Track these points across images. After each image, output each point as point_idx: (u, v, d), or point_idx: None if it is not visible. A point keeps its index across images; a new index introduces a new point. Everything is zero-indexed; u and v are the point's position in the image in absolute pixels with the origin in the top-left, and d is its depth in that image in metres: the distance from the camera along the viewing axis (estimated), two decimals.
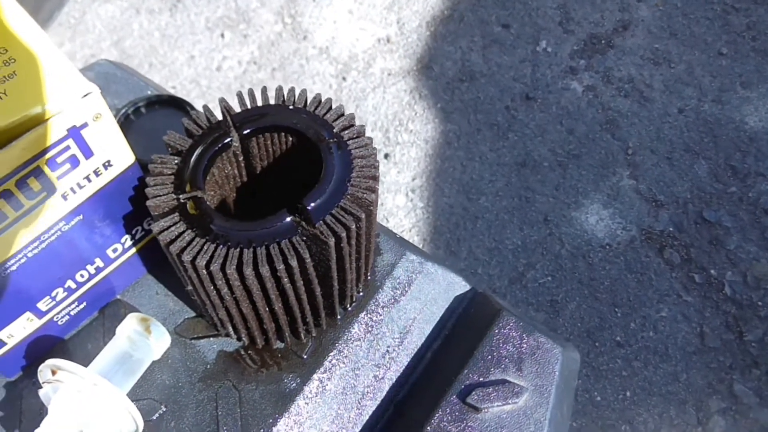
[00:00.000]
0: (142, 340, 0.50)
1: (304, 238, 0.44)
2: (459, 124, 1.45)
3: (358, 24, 1.59)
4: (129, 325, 0.51)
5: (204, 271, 0.43)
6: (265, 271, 0.42)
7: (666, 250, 1.29)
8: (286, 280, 0.44)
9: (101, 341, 0.54)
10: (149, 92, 0.68)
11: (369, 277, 0.57)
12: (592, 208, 1.33)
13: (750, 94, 1.48)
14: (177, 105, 0.65)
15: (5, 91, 0.37)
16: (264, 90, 0.50)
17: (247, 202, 0.54)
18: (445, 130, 1.44)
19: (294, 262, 0.43)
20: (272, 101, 0.50)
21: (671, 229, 1.31)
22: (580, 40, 1.59)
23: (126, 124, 0.64)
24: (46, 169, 0.40)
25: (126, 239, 0.51)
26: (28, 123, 0.37)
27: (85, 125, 0.40)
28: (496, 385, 0.52)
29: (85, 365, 0.49)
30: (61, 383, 0.45)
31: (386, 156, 1.40)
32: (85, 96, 0.39)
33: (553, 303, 1.23)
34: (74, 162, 0.41)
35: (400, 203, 1.33)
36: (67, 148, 0.40)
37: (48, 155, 0.39)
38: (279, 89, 0.50)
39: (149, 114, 0.65)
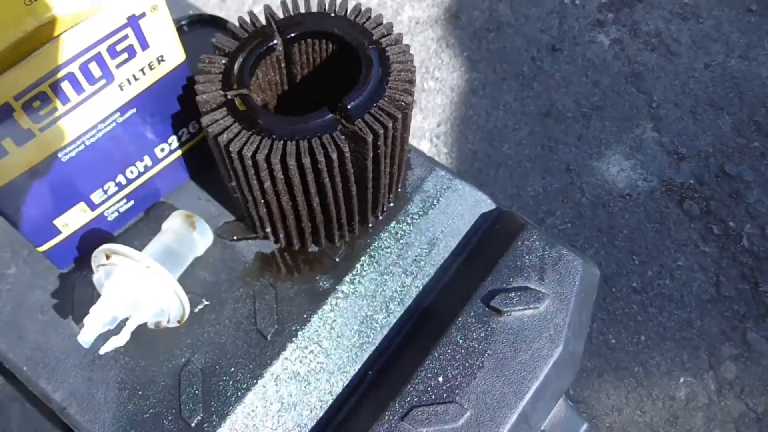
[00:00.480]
0: (188, 234, 0.53)
1: (344, 135, 0.46)
2: (485, 73, 1.46)
3: None
4: (175, 221, 0.54)
5: (249, 161, 0.46)
6: (306, 162, 0.45)
7: (686, 202, 1.30)
8: (325, 174, 0.47)
9: (147, 240, 0.57)
10: (190, 12, 0.70)
11: (400, 190, 0.60)
12: (614, 159, 1.35)
13: None
14: (218, 24, 0.67)
15: None
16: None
17: (287, 108, 0.56)
18: (471, 79, 1.46)
19: (334, 155, 0.45)
20: (314, 9, 0.52)
21: (692, 181, 1.33)
22: None
23: None
24: (107, 56, 0.43)
25: (173, 140, 0.54)
26: (94, 8, 0.40)
27: (143, 15, 0.43)
28: (519, 291, 0.55)
29: None
30: (115, 266, 0.48)
31: None
32: None
33: None
34: (131, 52, 0.44)
35: (424, 148, 1.36)
36: (126, 37, 0.43)
37: (109, 41, 0.42)
38: None
39: (191, 32, 0.68)
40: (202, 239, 0.54)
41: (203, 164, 0.59)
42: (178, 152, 0.56)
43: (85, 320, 0.47)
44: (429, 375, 0.52)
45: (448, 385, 0.52)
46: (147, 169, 0.54)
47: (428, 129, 1.39)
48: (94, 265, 0.50)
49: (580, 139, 1.37)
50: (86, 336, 0.46)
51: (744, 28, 1.53)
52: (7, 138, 0.41)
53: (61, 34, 0.40)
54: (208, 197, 0.59)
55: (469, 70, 1.48)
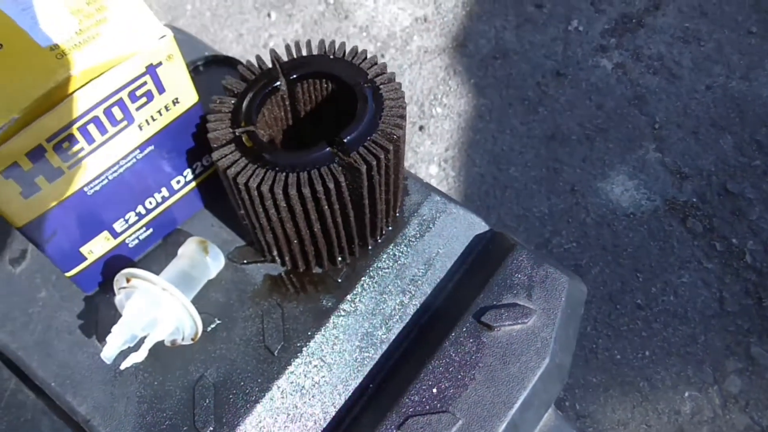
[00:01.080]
0: (201, 259, 0.58)
1: (341, 166, 0.51)
2: (491, 98, 1.51)
3: (396, 4, 1.66)
4: (190, 246, 0.59)
5: (255, 191, 0.50)
6: (306, 191, 0.50)
7: (689, 220, 1.34)
8: (324, 202, 0.51)
9: (164, 264, 0.62)
10: (206, 53, 0.76)
11: (398, 215, 0.64)
12: (618, 180, 1.39)
13: None
14: (231, 64, 0.73)
15: (99, 33, 0.45)
16: (308, 42, 0.57)
17: (292, 142, 0.61)
18: (478, 104, 1.51)
19: (331, 185, 0.50)
20: (315, 51, 0.57)
21: (695, 199, 1.36)
22: (611, 19, 1.63)
23: None
24: (127, 101, 0.48)
25: (188, 173, 0.59)
26: (116, 60, 0.45)
27: (160, 64, 0.48)
28: (508, 308, 0.59)
29: None
30: (135, 288, 0.53)
31: (421, 128, 1.47)
32: (161, 38, 0.47)
33: (577, 267, 1.28)
34: (150, 96, 0.49)
35: (433, 172, 1.40)
36: (145, 83, 0.48)
37: (130, 88, 0.47)
38: (321, 42, 0.57)
39: (206, 72, 0.73)
40: (215, 263, 0.59)
41: (216, 194, 0.64)
42: (193, 183, 0.61)
43: (108, 338, 0.51)
44: (424, 387, 0.56)
45: (441, 396, 0.56)
46: (164, 199, 0.59)
47: (437, 154, 1.44)
48: (115, 287, 0.55)
49: (584, 160, 1.41)
50: (108, 352, 0.51)
51: (745, 50, 1.57)
52: (40, 176, 0.46)
53: (87, 83, 0.45)
54: (221, 224, 0.64)
55: (476, 96, 1.53)
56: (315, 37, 1.61)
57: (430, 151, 1.44)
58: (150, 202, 0.58)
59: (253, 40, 1.67)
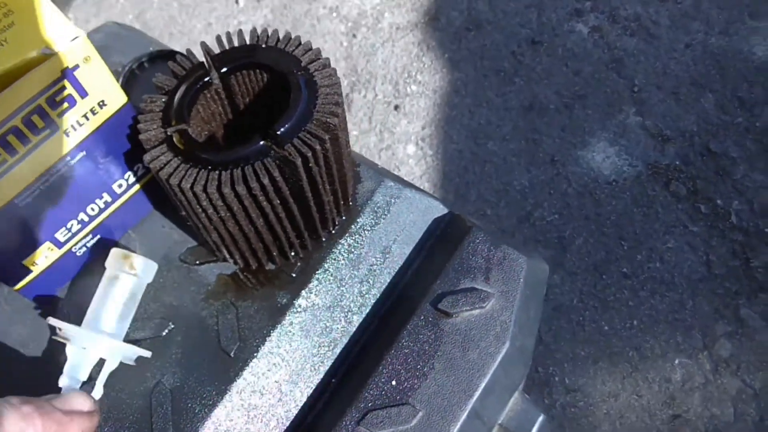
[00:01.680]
0: (128, 277, 0.55)
1: (276, 160, 0.49)
2: (466, 72, 1.49)
3: None
4: (113, 264, 0.55)
5: (190, 192, 0.49)
6: (241, 189, 0.48)
7: (672, 183, 1.32)
8: (262, 198, 0.50)
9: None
10: (151, 48, 0.74)
11: (351, 203, 0.63)
12: (599, 147, 1.36)
13: (758, 24, 1.49)
14: (171, 57, 0.70)
15: (5, 39, 0.43)
16: (240, 32, 0.55)
17: (233, 137, 0.59)
18: (453, 79, 1.48)
19: (266, 181, 0.48)
20: (248, 41, 0.55)
21: (677, 162, 1.34)
22: None
23: (131, 78, 0.70)
24: (47, 107, 0.46)
25: (129, 176, 0.57)
26: (27, 66, 0.44)
27: (76, 67, 0.46)
28: (465, 293, 0.58)
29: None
30: (67, 340, 0.51)
31: (396, 107, 1.45)
32: (73, 39, 0.45)
33: (560, 239, 1.27)
34: (71, 101, 0.47)
35: (410, 152, 1.38)
36: (64, 88, 0.46)
37: (47, 94, 0.45)
38: (253, 30, 0.55)
39: (152, 68, 0.71)
40: (145, 276, 0.56)
41: (163, 196, 0.62)
42: (137, 186, 0.59)
43: (62, 387, 0.50)
44: (383, 380, 0.55)
45: (400, 387, 0.55)
46: (108, 205, 0.57)
47: (413, 133, 1.42)
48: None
49: (563, 129, 1.39)
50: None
51: (723, 4, 1.54)
52: None
53: None
54: (172, 225, 0.63)
55: (450, 71, 1.50)
56: (285, 21, 1.59)
57: (407, 130, 1.41)
58: (92, 209, 0.56)
59: (222, 28, 1.65)
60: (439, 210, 0.65)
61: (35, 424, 0.38)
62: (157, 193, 0.62)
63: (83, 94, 0.48)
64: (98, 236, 0.59)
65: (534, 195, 1.32)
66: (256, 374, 0.56)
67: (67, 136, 0.49)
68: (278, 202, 0.51)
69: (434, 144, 1.39)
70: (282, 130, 0.49)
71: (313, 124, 0.50)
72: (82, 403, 0.43)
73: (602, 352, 1.16)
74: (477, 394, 0.54)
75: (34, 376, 0.57)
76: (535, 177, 1.33)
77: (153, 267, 0.56)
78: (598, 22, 1.53)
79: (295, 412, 0.57)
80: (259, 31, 0.55)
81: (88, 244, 0.59)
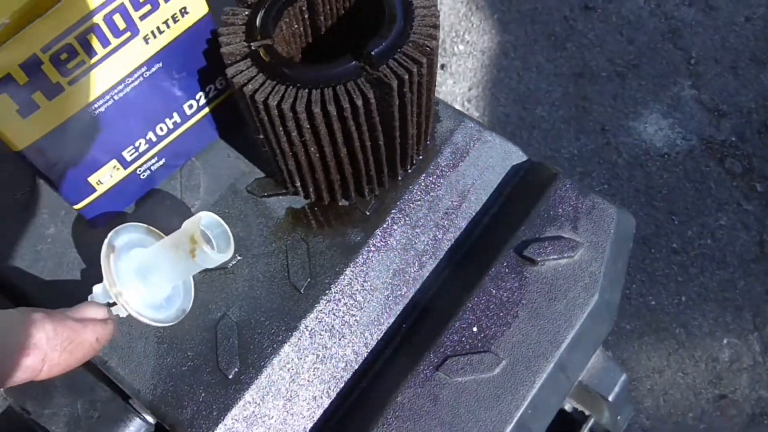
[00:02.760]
0: (186, 256, 0.48)
1: (368, 82, 0.46)
2: (516, 34, 1.44)
3: None
4: (181, 236, 0.49)
5: (275, 110, 0.45)
6: (332, 109, 0.45)
7: (727, 160, 1.27)
8: (351, 122, 0.46)
9: (179, 196, 0.58)
10: None
11: (429, 143, 0.59)
12: (651, 118, 1.32)
13: None
14: None
15: None
16: None
17: (312, 60, 0.56)
18: (502, 41, 1.43)
19: (359, 102, 0.45)
20: None
21: (733, 138, 1.29)
22: None
23: None
24: (130, 7, 0.43)
25: (200, 96, 0.54)
26: None
27: None
28: (552, 241, 0.54)
29: (163, 220, 0.52)
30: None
31: (442, 67, 1.41)
32: None
33: None
34: (154, 4, 0.44)
35: None
36: None
37: None
38: None
39: None
40: (204, 263, 0.49)
41: (232, 122, 0.59)
42: (207, 109, 0.56)
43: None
44: (463, 325, 0.52)
45: (482, 335, 0.52)
46: (176, 126, 0.54)
47: (459, 93, 1.38)
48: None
49: (615, 98, 1.34)
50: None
51: None
52: (37, 91, 0.42)
53: None
54: (238, 155, 0.60)
55: (499, 32, 1.45)
56: None
57: (453, 90, 1.37)
58: (161, 129, 0.53)
59: None
60: (519, 156, 0.61)
61: (46, 328, 0.38)
62: (224, 119, 0.58)
63: None
64: (163, 160, 0.56)
65: (583, 163, 1.28)
66: (327, 312, 0.53)
67: (146, 42, 0.46)
68: (366, 128, 0.48)
69: (481, 106, 1.35)
70: (376, 50, 0.46)
71: (410, 46, 0.47)
72: (95, 311, 0.44)
73: (648, 327, 1.13)
74: (564, 345, 0.51)
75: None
76: (584, 145, 1.29)
77: (216, 260, 0.49)
78: None
79: (364, 354, 0.54)
80: None
81: (153, 168, 0.56)
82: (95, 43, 0.43)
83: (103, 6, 0.41)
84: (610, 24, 1.43)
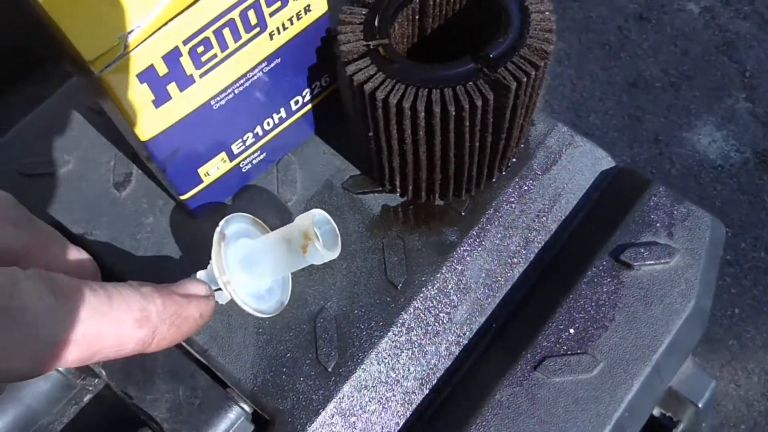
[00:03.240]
0: (297, 250, 0.49)
1: (487, 84, 0.46)
2: (570, 42, 1.44)
3: None
4: (292, 231, 0.49)
5: (394, 109, 0.46)
6: (452, 109, 0.46)
7: None
8: (467, 122, 0.47)
9: (276, 191, 0.59)
10: None
11: (522, 146, 0.60)
12: (705, 130, 1.32)
13: None
14: None
15: None
16: None
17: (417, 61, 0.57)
18: (556, 48, 1.44)
19: (479, 103, 0.46)
20: None
21: None
22: None
23: None
24: (263, 4, 0.44)
25: (306, 93, 0.55)
26: None
27: None
28: (648, 246, 0.55)
29: (260, 213, 0.53)
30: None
31: None
32: None
33: None
34: (285, 1, 0.45)
35: None
36: None
37: None
38: None
39: None
40: (312, 259, 0.50)
41: (328, 119, 0.60)
42: (309, 106, 0.57)
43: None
44: (560, 327, 0.53)
45: (579, 336, 0.52)
46: (282, 121, 0.55)
47: None
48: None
49: (669, 109, 1.34)
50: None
51: None
52: (173, 83, 0.43)
53: None
54: (333, 151, 0.61)
55: None
56: None
57: None
58: (268, 123, 0.54)
59: None
60: (608, 163, 0.62)
61: (156, 302, 0.39)
62: (321, 117, 0.60)
63: None
64: (264, 154, 0.57)
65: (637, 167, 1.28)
66: (422, 309, 0.54)
67: (271, 38, 0.47)
68: (479, 128, 0.49)
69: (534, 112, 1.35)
70: (495, 53, 0.47)
71: (527, 50, 0.47)
72: (198, 287, 0.44)
73: (701, 338, 1.12)
74: (661, 350, 0.52)
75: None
76: (638, 155, 1.29)
77: (325, 257, 0.49)
78: (710, 2, 1.48)
79: (456, 352, 0.55)
80: None
81: (254, 161, 0.57)
82: (228, 37, 0.44)
83: (242, 1, 0.42)
84: (665, 35, 1.43)
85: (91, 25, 0.38)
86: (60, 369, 0.58)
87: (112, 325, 0.35)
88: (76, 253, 0.46)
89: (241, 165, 0.56)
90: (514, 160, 0.59)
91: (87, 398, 0.61)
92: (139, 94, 0.42)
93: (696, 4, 1.49)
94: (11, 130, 0.64)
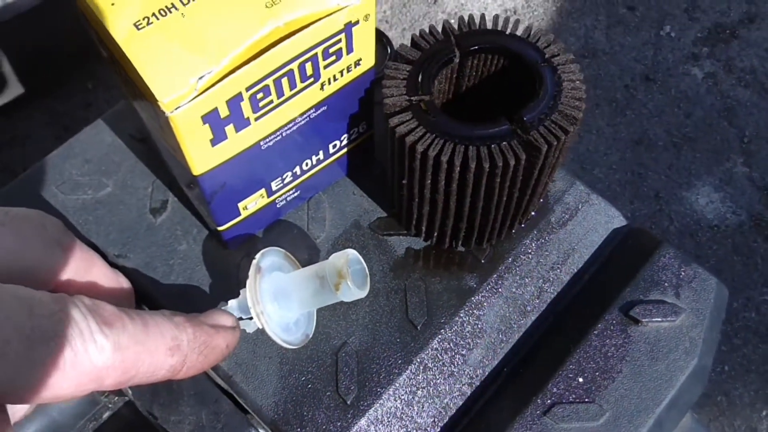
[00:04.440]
0: (329, 288, 0.52)
1: (520, 145, 0.50)
2: None
3: None
4: (328, 269, 0.51)
5: (431, 161, 0.50)
6: (486, 166, 0.49)
7: None
8: (498, 179, 0.51)
9: (305, 227, 0.62)
10: None
11: (542, 200, 0.63)
12: (704, 190, 1.36)
13: None
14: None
15: None
16: (483, 16, 0.56)
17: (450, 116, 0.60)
18: None
19: (512, 162, 0.49)
20: (489, 26, 0.56)
21: None
22: (704, 28, 1.60)
23: None
24: (320, 57, 0.47)
25: (344, 138, 0.59)
26: (320, 13, 0.45)
27: (357, 23, 0.47)
28: (656, 304, 0.58)
29: (289, 248, 0.56)
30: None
31: None
32: None
33: None
34: (339, 55, 0.49)
35: None
36: (339, 41, 0.48)
37: (326, 45, 0.47)
38: (495, 17, 0.56)
39: None
40: (344, 296, 0.52)
41: (358, 164, 0.63)
42: (345, 150, 0.60)
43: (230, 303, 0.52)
44: (570, 375, 0.56)
45: (587, 386, 0.55)
46: (318, 162, 0.59)
47: None
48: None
49: (670, 168, 1.39)
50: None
51: None
52: (231, 124, 0.46)
53: (291, 35, 0.44)
54: (362, 193, 0.64)
55: None
56: (403, 20, 1.60)
57: None
58: (306, 164, 0.58)
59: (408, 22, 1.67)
60: (620, 221, 0.66)
61: (188, 331, 0.41)
62: (353, 160, 0.63)
63: (350, 50, 0.49)
64: (298, 192, 0.60)
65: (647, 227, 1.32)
66: (440, 350, 0.57)
67: (322, 88, 0.50)
68: (508, 184, 0.52)
69: None
70: (529, 116, 0.50)
71: (558, 115, 0.51)
72: (225, 319, 0.46)
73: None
74: (664, 404, 0.55)
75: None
76: (638, 209, 1.33)
77: (355, 295, 0.52)
78: (714, 69, 1.53)
79: (468, 392, 0.57)
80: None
81: (288, 198, 0.60)
82: (285, 86, 0.47)
83: (302, 55, 0.46)
84: (669, 96, 1.49)
85: (167, 69, 0.42)
86: None
87: (147, 352, 0.37)
88: (114, 276, 0.48)
89: (276, 201, 0.59)
90: (533, 213, 0.63)
91: (106, 415, 0.63)
92: (200, 133, 0.45)
93: (700, 69, 1.55)
94: (55, 150, 0.67)
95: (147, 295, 0.60)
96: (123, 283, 0.49)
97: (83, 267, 0.44)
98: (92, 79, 1.42)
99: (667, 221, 1.32)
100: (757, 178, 1.38)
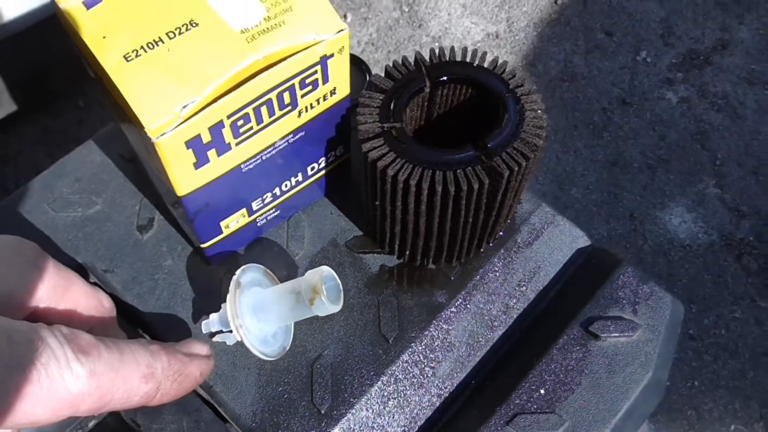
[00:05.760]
0: (303, 302, 0.55)
1: (483, 170, 0.54)
2: (557, 120, 1.54)
3: (470, 18, 1.69)
4: (303, 285, 0.55)
5: (401, 185, 0.53)
6: (452, 189, 0.52)
7: (744, 257, 1.35)
8: (463, 201, 0.54)
9: (285, 245, 0.65)
10: None
11: (509, 221, 0.67)
12: (677, 211, 1.41)
13: None
14: (354, 62, 0.76)
15: (284, 21, 0.48)
16: (452, 49, 0.60)
17: (420, 141, 0.64)
18: None
19: (475, 185, 0.53)
20: (458, 58, 0.60)
21: (751, 238, 1.38)
22: (679, 54, 1.66)
23: None
24: (297, 87, 0.51)
25: (322, 161, 0.62)
26: (297, 47, 0.48)
27: (332, 56, 0.51)
28: (615, 320, 0.62)
29: (269, 264, 0.59)
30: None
31: None
32: (339, 32, 0.50)
33: None
34: (315, 85, 0.52)
35: None
36: (315, 72, 0.51)
37: (303, 76, 0.50)
38: (464, 49, 0.60)
39: None
40: (318, 311, 0.55)
41: (337, 185, 0.67)
42: (323, 172, 0.64)
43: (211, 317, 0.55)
44: (532, 387, 0.59)
45: (548, 397, 0.59)
46: (297, 184, 0.62)
47: None
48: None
49: (645, 189, 1.43)
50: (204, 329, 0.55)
51: None
52: (213, 149, 0.49)
53: (270, 67, 0.48)
54: (339, 213, 0.67)
55: None
56: (388, 42, 1.65)
57: None
58: (285, 185, 0.61)
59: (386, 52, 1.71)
60: (584, 241, 0.69)
61: (162, 360, 0.42)
62: (331, 182, 0.66)
63: (326, 80, 0.53)
64: (278, 211, 0.63)
65: (610, 246, 1.36)
66: (410, 363, 0.60)
67: (299, 116, 0.54)
68: (473, 207, 0.56)
69: None
70: (493, 143, 0.54)
71: (520, 142, 0.55)
72: (200, 348, 0.47)
73: (661, 407, 1.19)
74: (620, 415, 0.58)
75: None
76: (613, 229, 1.37)
77: (329, 310, 0.55)
78: (688, 93, 1.59)
79: (437, 404, 0.60)
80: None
81: (269, 217, 0.63)
82: (264, 114, 0.50)
83: (280, 85, 0.49)
84: (644, 120, 1.53)
85: (154, 98, 0.45)
86: None
87: (122, 379, 0.39)
88: (95, 294, 0.49)
89: (257, 220, 0.62)
90: (501, 233, 0.66)
91: (91, 424, 0.65)
92: (184, 157, 0.48)
93: (674, 93, 1.60)
94: (47, 168, 0.70)
95: (132, 311, 0.62)
96: (103, 300, 0.49)
97: (61, 287, 0.45)
98: (84, 97, 1.46)
99: (641, 240, 1.36)
100: (728, 199, 1.42)
